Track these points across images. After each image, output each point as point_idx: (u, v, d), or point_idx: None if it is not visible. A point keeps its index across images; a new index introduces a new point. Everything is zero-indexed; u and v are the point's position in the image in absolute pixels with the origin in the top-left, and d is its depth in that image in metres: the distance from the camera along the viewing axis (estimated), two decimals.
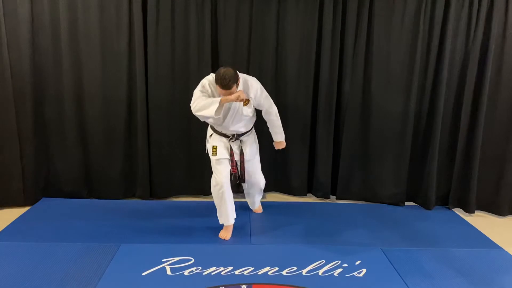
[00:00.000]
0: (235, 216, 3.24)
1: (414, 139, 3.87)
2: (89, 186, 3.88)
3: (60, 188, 3.81)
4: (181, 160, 3.91)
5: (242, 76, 3.03)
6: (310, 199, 4.12)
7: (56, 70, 3.60)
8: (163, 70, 3.69)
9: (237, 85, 2.90)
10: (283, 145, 3.40)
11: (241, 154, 3.22)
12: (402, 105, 3.79)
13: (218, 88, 2.86)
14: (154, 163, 3.84)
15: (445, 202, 3.98)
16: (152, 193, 3.91)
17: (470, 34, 3.66)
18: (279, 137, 3.35)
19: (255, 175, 3.37)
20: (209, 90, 2.98)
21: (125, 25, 3.58)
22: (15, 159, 3.59)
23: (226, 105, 2.95)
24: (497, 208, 3.90)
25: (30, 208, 3.61)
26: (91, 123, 3.73)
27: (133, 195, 3.94)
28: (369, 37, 3.74)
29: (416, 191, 4.00)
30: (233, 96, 2.84)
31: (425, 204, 3.93)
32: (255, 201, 3.64)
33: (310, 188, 4.14)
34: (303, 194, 4.12)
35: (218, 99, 2.85)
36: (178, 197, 4.00)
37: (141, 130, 3.74)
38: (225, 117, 3.04)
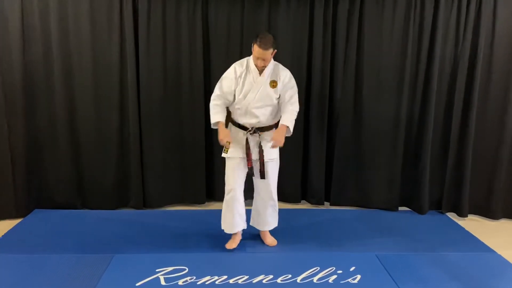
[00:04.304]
0: (244, 227, 3.16)
1: (406, 144, 3.90)
2: (82, 197, 3.85)
3: (52, 199, 3.78)
4: (175, 170, 3.89)
5: (275, 62, 3.01)
6: (304, 205, 4.12)
7: (47, 80, 3.59)
8: (155, 79, 3.69)
9: (273, 53, 2.87)
10: (280, 139, 2.86)
11: (260, 151, 2.98)
12: (394, 111, 3.82)
13: (255, 47, 2.81)
14: (147, 173, 3.83)
15: (438, 206, 4.00)
16: (146, 203, 3.89)
17: (459, 38, 3.70)
18: (285, 121, 2.90)
19: (267, 180, 3.07)
20: (235, 75, 2.93)
21: (116, 35, 3.59)
22: (7, 170, 3.56)
23: (249, 79, 2.92)
24: (490, 212, 3.92)
25: (22, 220, 3.58)
26: (83, 133, 3.72)
27: (126, 205, 3.92)
28: (359, 44, 3.78)
29: (409, 196, 4.01)
30: (221, 135, 2.87)
31: (418, 209, 3.95)
32: (266, 220, 3.19)
33: (304, 195, 4.14)
34: (297, 201, 4.11)
35: (217, 118, 2.91)
36: (171, 207, 3.98)
37: (133, 140, 3.73)
38: (247, 93, 2.93)
